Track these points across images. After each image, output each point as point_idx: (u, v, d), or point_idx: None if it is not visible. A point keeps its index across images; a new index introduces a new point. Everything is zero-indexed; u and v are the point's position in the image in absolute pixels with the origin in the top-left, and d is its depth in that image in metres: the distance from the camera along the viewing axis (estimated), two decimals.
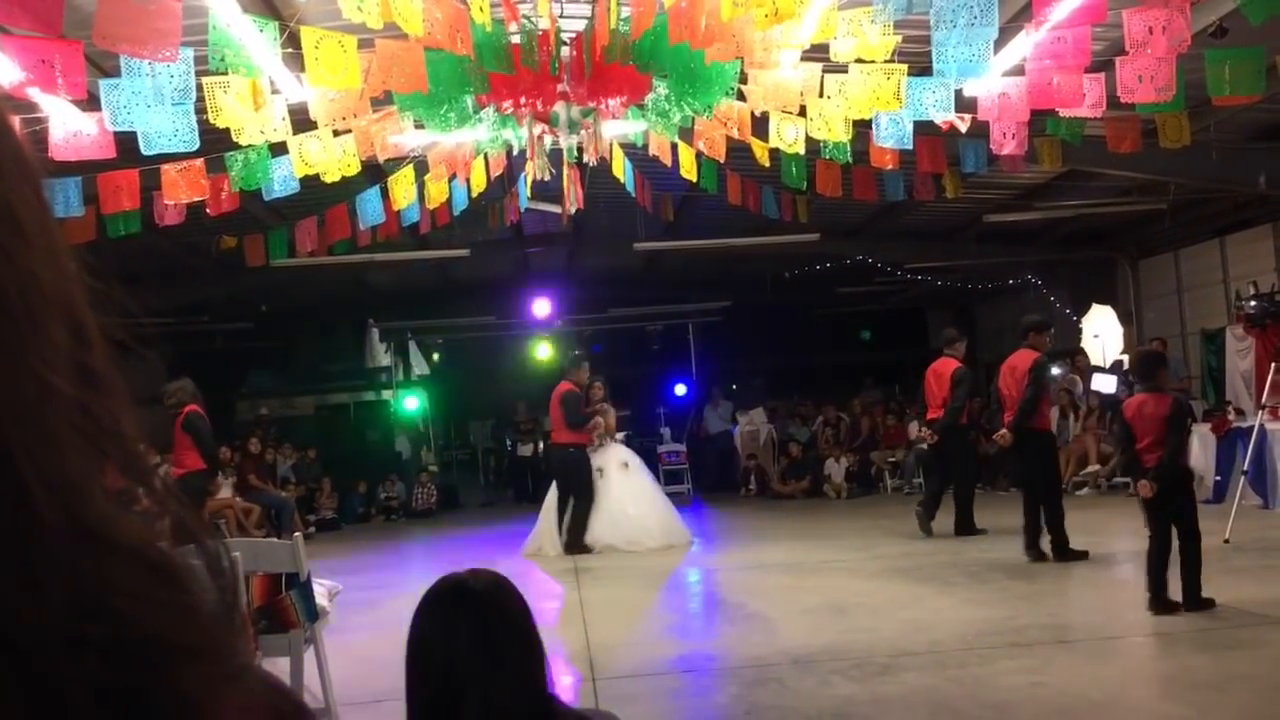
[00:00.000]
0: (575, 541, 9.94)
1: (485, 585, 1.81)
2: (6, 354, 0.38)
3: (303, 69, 5.23)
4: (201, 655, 0.40)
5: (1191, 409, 12.42)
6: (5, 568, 0.36)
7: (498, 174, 7.96)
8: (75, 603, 0.37)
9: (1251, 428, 9.07)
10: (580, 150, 6.75)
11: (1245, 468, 9.02)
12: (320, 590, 4.83)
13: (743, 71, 6.10)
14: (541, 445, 15.27)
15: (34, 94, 4.86)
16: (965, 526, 9.55)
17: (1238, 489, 8.71)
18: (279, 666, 4.26)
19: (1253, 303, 9.31)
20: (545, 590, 8.32)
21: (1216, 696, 4.42)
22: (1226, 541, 7.77)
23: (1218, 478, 10.43)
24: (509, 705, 1.70)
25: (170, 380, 9.11)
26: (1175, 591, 5.82)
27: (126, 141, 5.59)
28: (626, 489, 10.22)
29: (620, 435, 10.76)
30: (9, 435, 0.37)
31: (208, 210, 7.13)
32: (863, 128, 6.42)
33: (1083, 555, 7.85)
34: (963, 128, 6.17)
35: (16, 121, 0.45)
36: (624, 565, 9.03)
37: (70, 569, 0.38)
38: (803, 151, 6.68)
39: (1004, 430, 8.37)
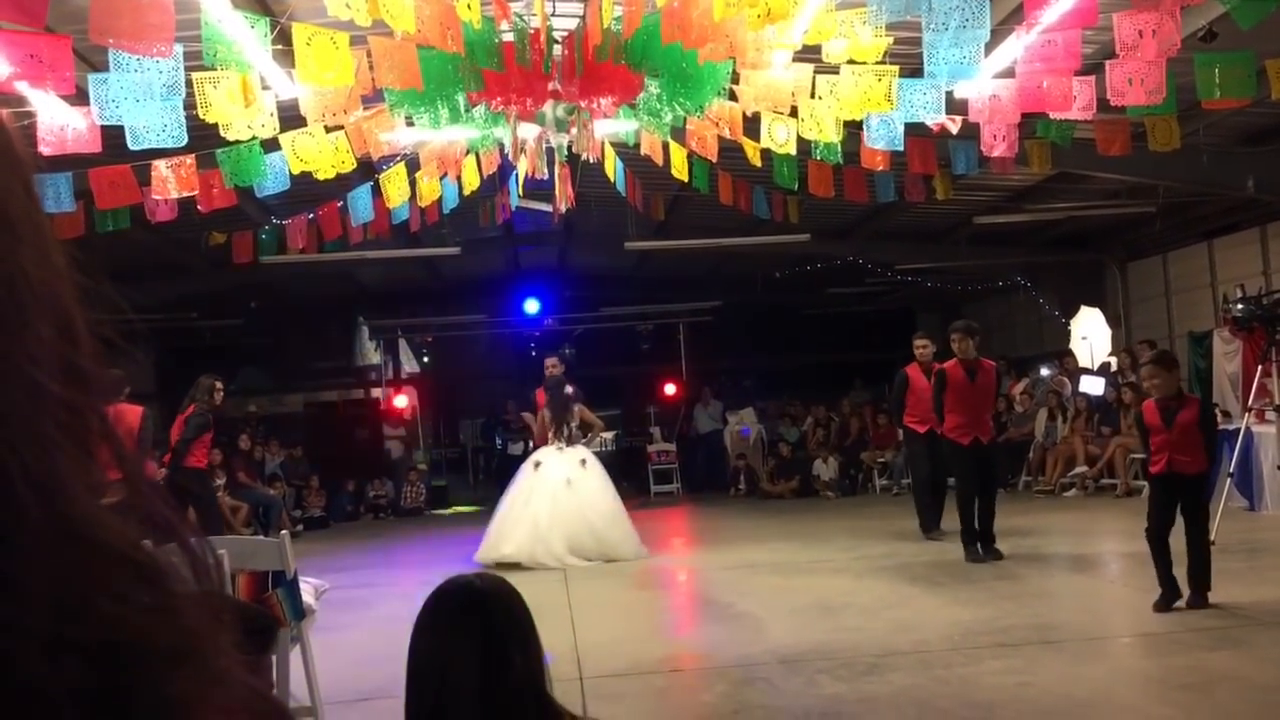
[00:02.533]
0: None
1: (497, 586, 1.81)
2: None
3: (293, 65, 5.21)
4: (185, 658, 0.40)
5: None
6: None
7: (490, 172, 7.95)
8: (57, 604, 0.37)
9: (1238, 430, 9.11)
10: (572, 148, 6.75)
11: (1231, 470, 9.06)
12: (307, 589, 4.81)
13: (734, 72, 6.10)
14: (530, 444, 15.18)
15: (22, 88, 4.84)
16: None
17: (1224, 491, 8.74)
18: (265, 665, 4.25)
19: (1240, 306, 9.31)
20: (533, 589, 8.27)
21: (1201, 697, 4.44)
22: (1212, 543, 7.78)
23: None
24: (523, 704, 1.70)
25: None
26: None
27: (117, 136, 5.56)
28: (529, 499, 9.38)
29: (557, 443, 9.85)
30: None
31: (199, 207, 7.11)
32: (854, 129, 6.43)
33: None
34: (953, 129, 6.20)
35: (6, 115, 0.45)
36: (612, 565, 9.02)
37: (53, 570, 0.37)
38: (794, 152, 6.69)
39: None
